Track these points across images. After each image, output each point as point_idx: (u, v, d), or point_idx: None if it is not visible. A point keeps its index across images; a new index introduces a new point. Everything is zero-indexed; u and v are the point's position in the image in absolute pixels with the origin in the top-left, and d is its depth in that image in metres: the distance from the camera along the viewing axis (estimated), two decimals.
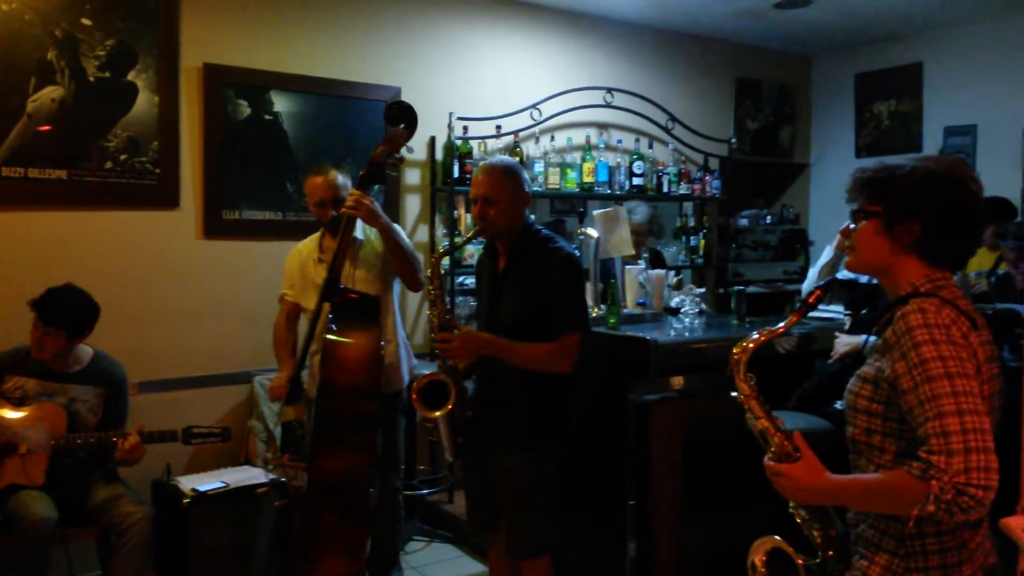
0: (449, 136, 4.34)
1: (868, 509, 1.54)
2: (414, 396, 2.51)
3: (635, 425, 2.96)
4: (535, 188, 4.32)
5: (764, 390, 1.60)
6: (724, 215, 5.50)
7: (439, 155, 4.45)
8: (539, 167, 4.55)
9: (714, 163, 5.38)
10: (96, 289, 3.09)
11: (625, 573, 3.00)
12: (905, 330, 1.44)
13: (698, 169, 5.31)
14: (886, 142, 5.80)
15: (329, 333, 2.77)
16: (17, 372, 3.00)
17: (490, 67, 4.70)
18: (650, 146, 5.18)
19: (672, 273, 4.04)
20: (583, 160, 4.72)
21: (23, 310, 2.95)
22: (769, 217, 6.04)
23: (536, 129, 4.67)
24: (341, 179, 3.09)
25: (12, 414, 2.93)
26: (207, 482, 3.25)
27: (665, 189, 5.03)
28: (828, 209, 6.09)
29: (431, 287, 2.61)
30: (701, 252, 5.30)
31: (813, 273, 3.65)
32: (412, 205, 4.48)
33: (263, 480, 3.31)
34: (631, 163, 4.90)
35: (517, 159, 4.32)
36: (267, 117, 3.99)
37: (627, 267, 3.66)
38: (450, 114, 4.32)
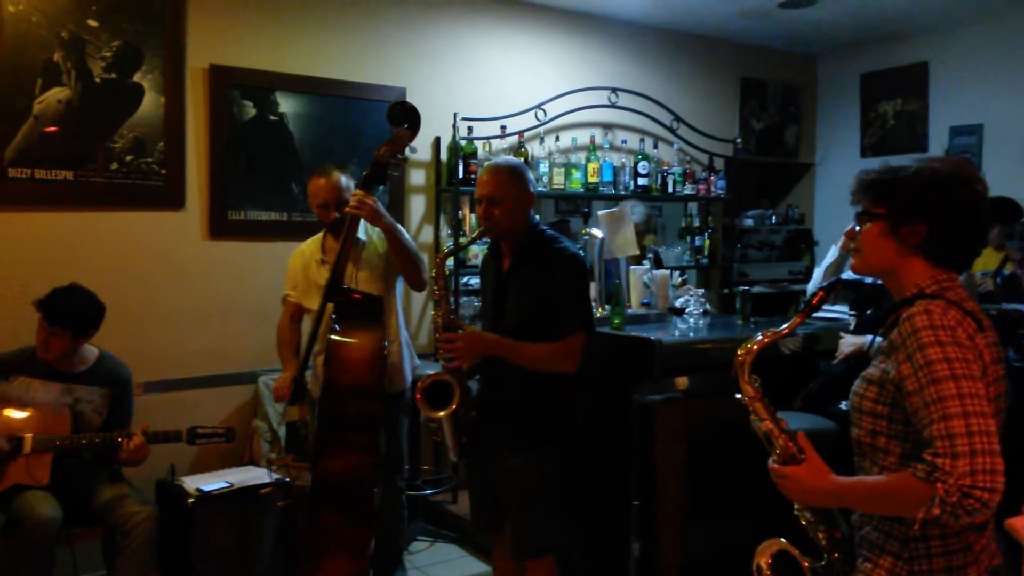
0: (454, 136, 4.34)
1: (873, 511, 1.53)
2: (418, 396, 2.52)
3: (639, 425, 2.96)
4: (540, 188, 4.32)
5: (769, 391, 1.59)
6: (729, 215, 5.49)
7: (444, 155, 4.45)
8: (544, 167, 4.55)
9: (719, 163, 5.37)
10: (102, 289, 3.10)
11: (629, 574, 2.99)
12: (911, 332, 1.43)
13: (703, 169, 5.30)
14: (891, 142, 5.78)
15: (333, 333, 2.77)
16: (23, 372, 3.01)
17: (495, 67, 4.70)
18: (655, 146, 5.17)
19: (676, 273, 4.04)
20: (588, 160, 4.72)
21: (29, 310, 2.96)
22: (774, 217, 6.04)
23: (541, 129, 4.67)
24: (344, 181, 3.08)
25: (17, 414, 2.94)
26: (211, 482, 3.26)
27: (670, 189, 5.02)
28: (833, 209, 6.06)
29: (436, 287, 2.60)
30: (706, 252, 5.29)
31: (818, 273, 3.63)
32: (417, 205, 4.48)
33: (267, 480, 3.31)
34: (636, 163, 4.90)
35: (522, 159, 4.32)
36: (272, 118, 4.00)
37: (632, 267, 3.66)
38: (455, 114, 4.32)
